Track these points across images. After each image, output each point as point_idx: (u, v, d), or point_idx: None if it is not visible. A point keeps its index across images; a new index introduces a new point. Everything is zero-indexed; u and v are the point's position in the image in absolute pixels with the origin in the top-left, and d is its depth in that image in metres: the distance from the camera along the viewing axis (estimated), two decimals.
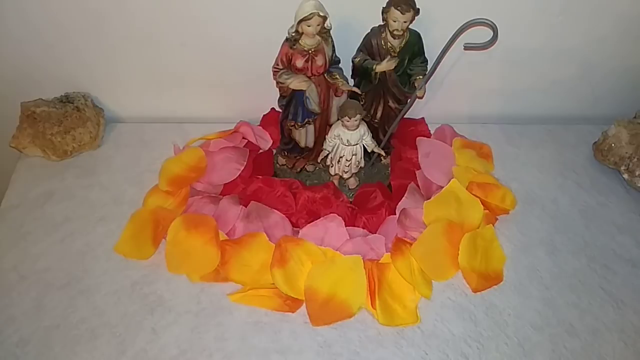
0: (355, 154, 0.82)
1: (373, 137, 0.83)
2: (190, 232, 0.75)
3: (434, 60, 0.73)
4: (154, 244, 0.77)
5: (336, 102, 0.80)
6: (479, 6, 0.78)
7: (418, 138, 0.89)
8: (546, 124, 1.01)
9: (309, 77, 0.74)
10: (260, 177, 0.84)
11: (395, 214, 0.80)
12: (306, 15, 0.67)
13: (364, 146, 0.83)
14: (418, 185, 0.85)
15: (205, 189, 0.84)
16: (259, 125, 0.94)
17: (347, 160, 0.82)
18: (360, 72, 0.78)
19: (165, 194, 0.82)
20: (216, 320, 0.70)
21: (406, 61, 0.77)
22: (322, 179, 0.90)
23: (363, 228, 0.80)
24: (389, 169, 0.92)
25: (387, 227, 0.79)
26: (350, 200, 0.85)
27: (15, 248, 0.77)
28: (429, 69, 0.76)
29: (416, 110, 0.93)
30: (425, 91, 0.77)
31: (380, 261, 0.75)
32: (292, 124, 0.80)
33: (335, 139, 0.81)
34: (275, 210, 0.80)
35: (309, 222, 0.78)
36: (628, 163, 0.88)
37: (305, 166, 0.90)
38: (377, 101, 0.82)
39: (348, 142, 0.80)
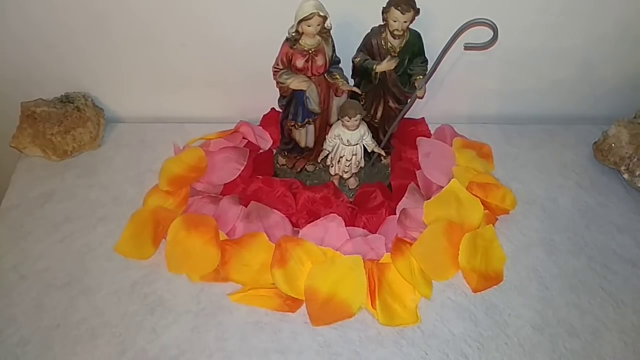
0: (356, 154, 0.82)
1: (373, 137, 0.83)
2: (190, 232, 0.75)
3: (434, 60, 0.73)
4: (154, 244, 0.77)
5: (336, 102, 0.80)
6: (479, 6, 0.78)
7: (418, 138, 0.89)
8: (546, 124, 1.01)
9: (309, 77, 0.74)
10: (260, 177, 0.84)
11: (395, 214, 0.80)
12: (306, 15, 0.67)
13: (364, 146, 0.83)
14: (418, 185, 0.85)
15: (205, 189, 0.84)
16: (259, 125, 0.94)
17: (347, 160, 0.82)
18: (360, 72, 0.78)
19: (165, 194, 0.82)
20: (216, 320, 0.70)
21: (406, 61, 0.77)
22: (322, 179, 0.90)
23: (363, 228, 0.80)
24: (389, 169, 0.92)
25: (387, 227, 0.79)
26: (350, 200, 0.85)
27: (15, 248, 0.77)
28: (429, 69, 0.76)
29: (416, 110, 0.93)
30: (425, 91, 0.77)
31: (380, 261, 0.75)
32: (292, 124, 0.80)
33: (335, 139, 0.81)
34: (275, 210, 0.80)
35: (309, 222, 0.78)
36: (628, 163, 0.88)
37: (305, 166, 0.90)
38: (377, 101, 0.82)
39: (348, 142, 0.80)
